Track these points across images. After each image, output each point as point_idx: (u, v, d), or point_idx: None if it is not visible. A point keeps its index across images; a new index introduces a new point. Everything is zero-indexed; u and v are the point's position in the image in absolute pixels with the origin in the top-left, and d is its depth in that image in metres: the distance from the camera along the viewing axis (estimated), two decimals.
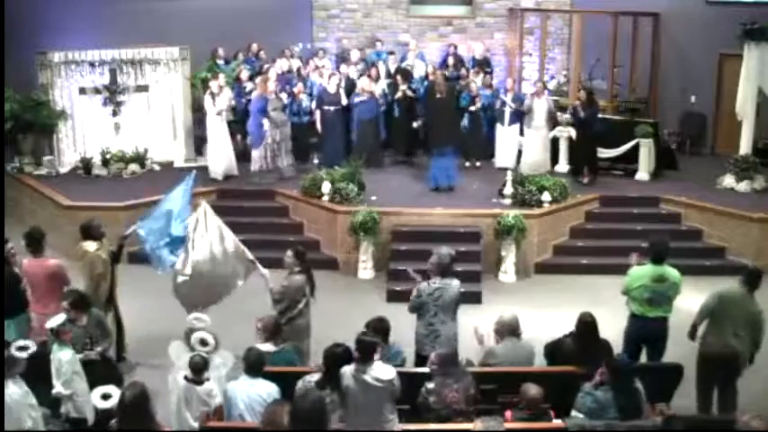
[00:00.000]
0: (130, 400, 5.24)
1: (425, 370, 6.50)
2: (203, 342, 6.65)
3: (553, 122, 13.25)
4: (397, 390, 5.93)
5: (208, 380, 6.33)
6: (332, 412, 5.80)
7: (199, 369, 6.26)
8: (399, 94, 13.77)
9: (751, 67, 12.37)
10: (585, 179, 12.74)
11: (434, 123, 12.35)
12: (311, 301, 8.02)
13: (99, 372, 6.92)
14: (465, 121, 13.54)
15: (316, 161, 13.61)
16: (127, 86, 13.79)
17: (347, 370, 5.85)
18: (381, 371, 5.86)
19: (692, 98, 15.43)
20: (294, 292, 7.77)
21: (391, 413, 5.96)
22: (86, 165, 13.36)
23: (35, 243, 7.93)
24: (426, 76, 14.38)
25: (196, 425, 6.20)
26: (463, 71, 14.46)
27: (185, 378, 6.29)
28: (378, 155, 13.65)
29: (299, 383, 6.01)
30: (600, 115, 12.97)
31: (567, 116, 13.52)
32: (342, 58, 15.33)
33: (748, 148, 12.78)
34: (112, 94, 13.71)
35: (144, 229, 8.25)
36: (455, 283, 7.49)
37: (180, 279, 7.93)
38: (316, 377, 5.99)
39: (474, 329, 7.24)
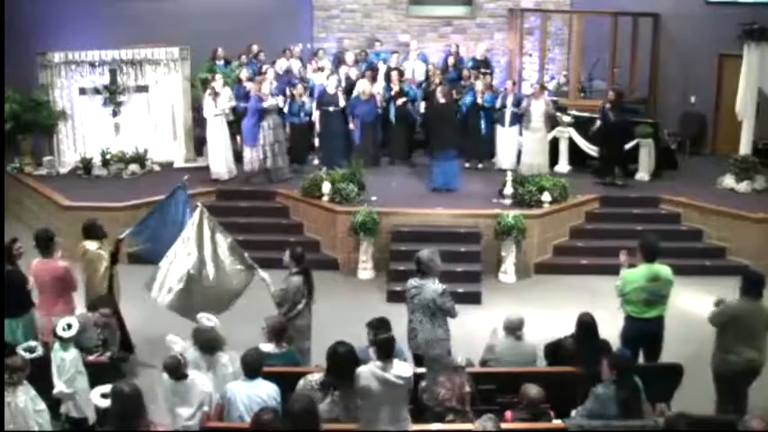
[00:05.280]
0: (124, 398, 5.24)
1: (422, 370, 6.55)
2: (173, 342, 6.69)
3: (552, 123, 13.23)
4: (411, 385, 5.97)
5: (186, 376, 6.29)
6: (334, 412, 5.81)
7: (174, 369, 6.22)
8: (396, 89, 13.72)
9: (751, 68, 12.36)
10: (620, 181, 12.69)
11: (436, 127, 12.33)
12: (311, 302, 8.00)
13: (107, 373, 6.94)
14: (482, 122, 13.51)
15: (315, 162, 13.60)
16: (127, 86, 13.79)
17: (365, 370, 5.80)
18: (401, 368, 5.86)
19: (692, 98, 15.44)
20: (293, 294, 7.76)
21: (407, 412, 5.97)
22: (86, 165, 13.36)
23: (44, 244, 7.94)
24: (427, 78, 14.37)
25: (193, 423, 6.21)
26: (465, 72, 14.46)
27: (170, 377, 6.28)
28: (376, 155, 13.67)
29: (301, 382, 6.02)
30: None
31: (567, 117, 13.53)
32: (339, 58, 15.33)
33: (748, 149, 12.77)
34: (112, 94, 13.71)
35: (138, 235, 8.48)
36: (432, 286, 7.31)
37: (168, 297, 7.95)
38: (317, 376, 5.98)
39: (493, 330, 7.36)
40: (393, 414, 5.81)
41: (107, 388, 6.21)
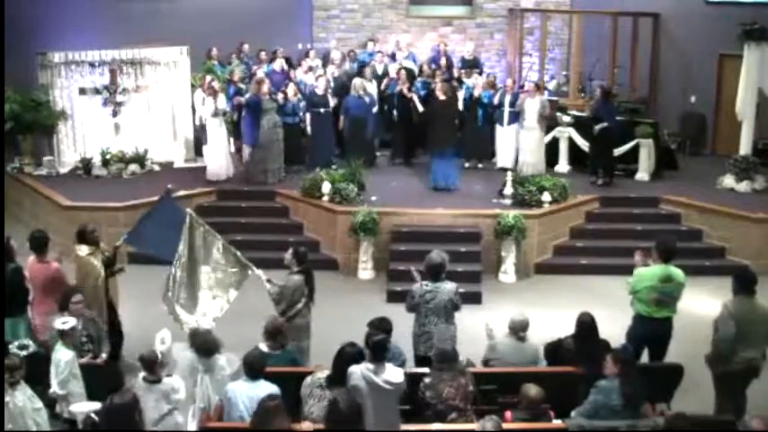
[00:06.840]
0: (116, 407, 5.22)
1: (425, 370, 6.53)
2: (162, 341, 6.70)
3: (548, 123, 13.21)
4: (402, 390, 5.95)
5: (169, 375, 6.32)
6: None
7: (149, 365, 6.22)
8: (400, 87, 13.63)
9: (751, 68, 12.36)
10: (600, 180, 12.71)
11: (434, 125, 12.32)
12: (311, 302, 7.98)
13: (103, 377, 6.92)
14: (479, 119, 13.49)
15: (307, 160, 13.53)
16: (127, 87, 13.79)
17: (357, 370, 5.81)
18: (392, 373, 5.85)
19: (692, 98, 15.44)
20: (291, 293, 7.75)
21: (397, 416, 5.96)
22: (86, 165, 13.34)
23: (38, 245, 7.93)
24: (417, 75, 14.32)
25: (158, 427, 6.19)
26: (455, 71, 14.44)
27: (143, 379, 6.28)
28: (369, 153, 13.47)
29: (308, 379, 6.03)
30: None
31: (567, 118, 13.52)
32: (326, 58, 15.29)
33: (748, 149, 12.78)
34: (112, 94, 13.71)
35: (134, 243, 8.47)
36: (448, 286, 7.45)
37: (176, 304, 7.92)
38: (326, 373, 5.98)
39: (485, 325, 7.39)
40: (378, 418, 5.78)
41: (93, 405, 6.13)
